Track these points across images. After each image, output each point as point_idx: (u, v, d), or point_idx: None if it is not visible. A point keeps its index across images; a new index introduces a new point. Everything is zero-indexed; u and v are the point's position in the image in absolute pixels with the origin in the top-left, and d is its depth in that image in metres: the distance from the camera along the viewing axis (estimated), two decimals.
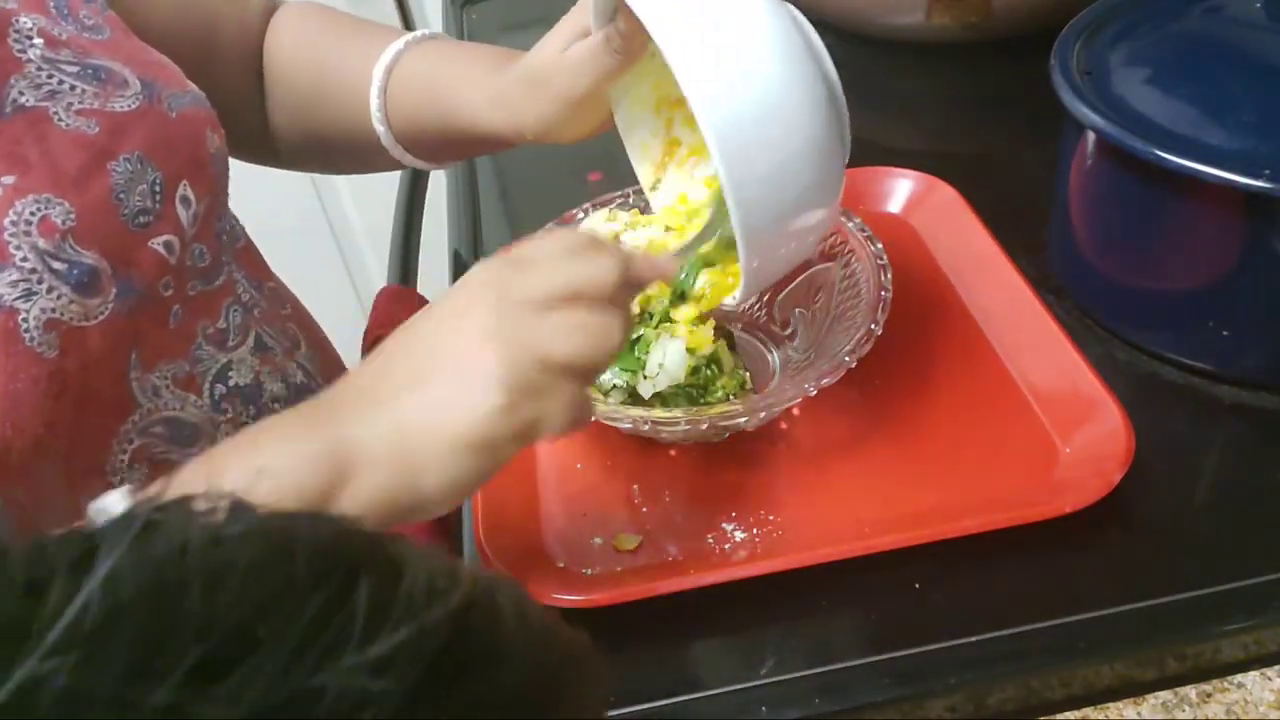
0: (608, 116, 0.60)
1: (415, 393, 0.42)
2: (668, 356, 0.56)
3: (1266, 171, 0.50)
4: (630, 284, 0.45)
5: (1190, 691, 0.48)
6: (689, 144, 0.61)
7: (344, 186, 1.70)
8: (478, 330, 0.42)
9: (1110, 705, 0.48)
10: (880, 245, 0.61)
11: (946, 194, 0.72)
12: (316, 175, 1.66)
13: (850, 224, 0.63)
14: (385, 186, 0.99)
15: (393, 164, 0.70)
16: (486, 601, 0.23)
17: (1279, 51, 0.59)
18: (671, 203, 0.61)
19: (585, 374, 0.44)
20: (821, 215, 0.52)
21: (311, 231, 1.64)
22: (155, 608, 0.19)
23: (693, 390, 0.58)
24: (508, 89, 0.59)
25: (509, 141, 0.62)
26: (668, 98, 0.60)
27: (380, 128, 0.66)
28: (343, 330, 0.78)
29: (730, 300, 0.56)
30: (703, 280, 0.56)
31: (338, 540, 0.22)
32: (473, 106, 0.61)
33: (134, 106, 0.54)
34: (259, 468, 0.41)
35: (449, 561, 0.24)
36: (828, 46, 0.51)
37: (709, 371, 0.58)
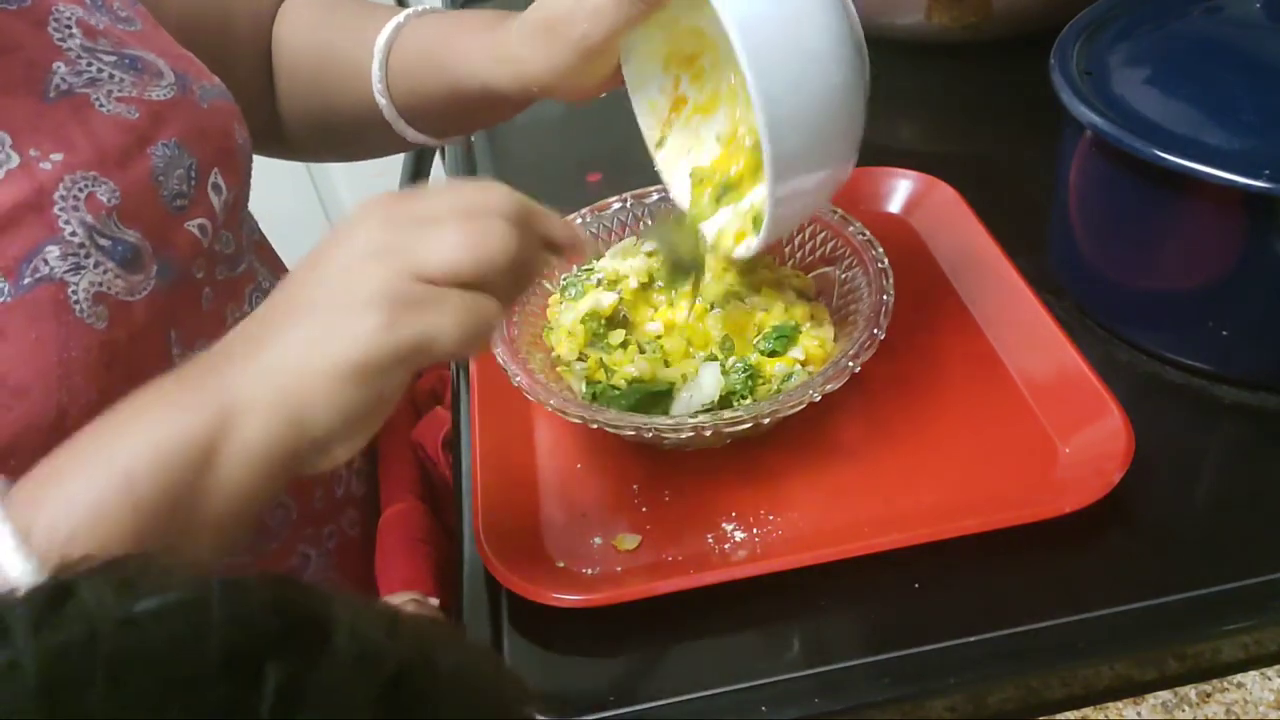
0: (614, 73, 0.58)
1: (296, 328, 0.40)
2: (703, 379, 0.57)
3: (1266, 171, 0.50)
4: (530, 221, 0.43)
5: (1190, 691, 0.48)
6: (695, 102, 0.61)
7: (341, 180, 1.70)
8: (358, 252, 0.40)
9: (1110, 705, 0.48)
10: (881, 249, 0.61)
11: (946, 194, 0.72)
12: (313, 166, 1.67)
13: (850, 228, 0.63)
14: (382, 181, 0.99)
15: (398, 144, 0.70)
16: (423, 667, 0.22)
17: (1279, 51, 0.59)
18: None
19: (475, 284, 0.40)
20: (847, 138, 0.52)
21: (308, 224, 1.64)
22: (52, 711, 0.18)
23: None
24: (510, 43, 0.57)
25: (513, 100, 0.60)
26: (679, 54, 0.59)
27: (382, 100, 0.66)
28: None
29: (746, 247, 0.57)
30: (720, 219, 0.57)
31: (259, 612, 0.21)
32: (475, 64, 0.60)
33: (169, 96, 0.56)
34: (142, 444, 0.39)
35: (390, 618, 0.22)
36: None
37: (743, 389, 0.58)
